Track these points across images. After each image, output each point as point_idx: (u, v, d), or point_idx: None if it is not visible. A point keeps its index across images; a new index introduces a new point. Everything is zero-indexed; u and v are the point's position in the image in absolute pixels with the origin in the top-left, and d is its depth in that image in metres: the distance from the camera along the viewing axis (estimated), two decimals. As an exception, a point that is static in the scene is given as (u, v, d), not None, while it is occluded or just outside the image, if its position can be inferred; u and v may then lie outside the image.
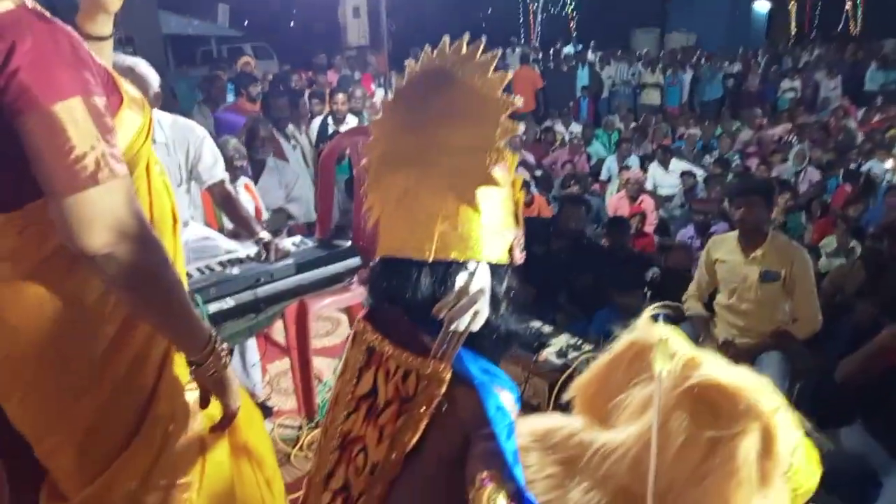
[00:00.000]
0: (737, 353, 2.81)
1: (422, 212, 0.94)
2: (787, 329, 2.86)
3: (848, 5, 16.86)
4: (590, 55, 12.26)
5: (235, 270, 2.17)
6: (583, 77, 10.98)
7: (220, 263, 2.23)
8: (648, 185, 6.51)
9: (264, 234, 2.33)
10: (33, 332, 1.11)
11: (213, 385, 1.19)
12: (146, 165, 1.22)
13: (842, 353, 2.56)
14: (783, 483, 1.12)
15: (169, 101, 4.51)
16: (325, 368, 2.68)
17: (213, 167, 2.51)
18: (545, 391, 2.66)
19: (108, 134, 1.01)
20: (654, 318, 1.21)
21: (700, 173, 6.57)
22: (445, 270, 0.95)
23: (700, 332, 3.07)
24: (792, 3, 16.93)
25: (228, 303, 2.06)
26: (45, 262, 1.09)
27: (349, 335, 1.09)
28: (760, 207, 2.84)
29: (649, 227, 5.23)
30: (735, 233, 3.01)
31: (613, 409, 1.21)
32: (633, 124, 8.97)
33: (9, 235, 1.08)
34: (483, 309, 0.93)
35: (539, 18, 16.94)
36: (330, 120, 5.30)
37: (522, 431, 1.15)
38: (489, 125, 0.90)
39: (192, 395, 1.30)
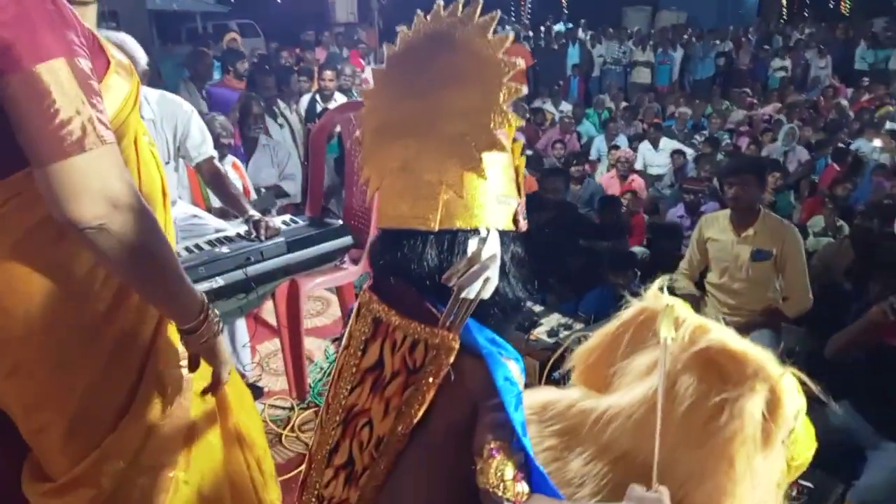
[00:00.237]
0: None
1: (424, 181, 0.91)
2: (778, 307, 2.87)
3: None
4: (580, 33, 12.15)
5: (225, 249, 2.14)
6: (573, 55, 10.89)
7: (209, 242, 2.20)
8: (638, 165, 6.49)
9: (254, 213, 2.30)
10: (20, 306, 1.08)
11: (205, 352, 1.18)
12: (134, 136, 1.18)
13: (832, 330, 2.58)
14: (782, 448, 1.13)
15: (154, 79, 4.43)
16: (316, 349, 2.67)
17: (202, 144, 2.46)
18: (536, 370, 2.66)
19: (95, 98, 0.97)
20: (661, 289, 1.20)
21: (690, 152, 6.56)
22: (451, 240, 0.93)
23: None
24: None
25: (218, 282, 2.03)
26: (30, 233, 1.06)
27: (353, 307, 1.05)
28: (753, 186, 2.83)
29: (640, 207, 5.22)
30: (727, 211, 3.00)
31: (615, 376, 1.21)
32: (623, 104, 8.92)
33: (3, 202, 1.05)
34: (494, 276, 0.90)
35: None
36: (318, 98, 5.23)
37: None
38: (491, 87, 0.86)
39: (181, 372, 1.29)
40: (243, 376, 2.43)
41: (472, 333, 0.92)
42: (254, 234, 2.23)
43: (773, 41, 12.17)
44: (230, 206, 2.43)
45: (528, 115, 8.22)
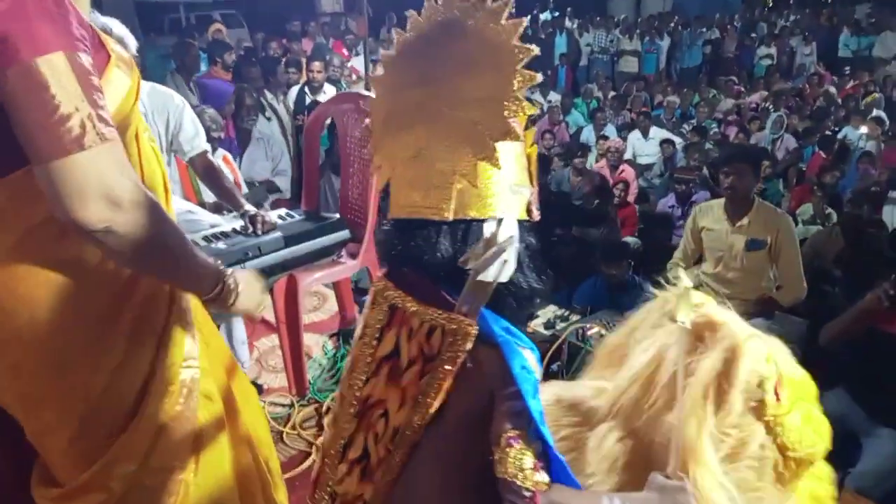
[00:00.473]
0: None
1: (436, 170, 0.90)
2: (772, 296, 2.89)
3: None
4: (567, 22, 12.12)
5: (221, 245, 2.11)
6: (560, 44, 10.86)
7: (205, 238, 2.17)
8: (628, 154, 6.51)
9: (250, 207, 2.26)
10: (22, 308, 1.06)
11: (233, 312, 1.21)
12: (135, 131, 1.16)
13: (825, 318, 2.61)
14: (753, 420, 1.13)
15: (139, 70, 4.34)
16: (314, 345, 2.65)
17: (195, 137, 2.42)
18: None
19: (95, 94, 0.95)
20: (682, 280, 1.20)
21: (679, 141, 6.59)
22: (465, 230, 0.92)
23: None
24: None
25: (216, 279, 2.00)
26: (31, 232, 1.04)
27: (369, 296, 1.04)
28: (748, 176, 2.85)
29: (631, 197, 5.24)
30: (721, 201, 3.02)
31: (625, 362, 1.22)
32: (611, 93, 8.92)
33: (3, 201, 1.02)
34: (512, 259, 0.90)
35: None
36: (307, 89, 5.17)
37: None
38: (505, 74, 0.85)
39: (188, 372, 1.27)
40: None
41: (487, 322, 0.92)
42: (250, 228, 2.20)
43: (757, 28, 12.23)
44: (225, 201, 2.40)
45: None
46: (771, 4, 16.20)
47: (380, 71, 1.00)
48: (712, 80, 9.64)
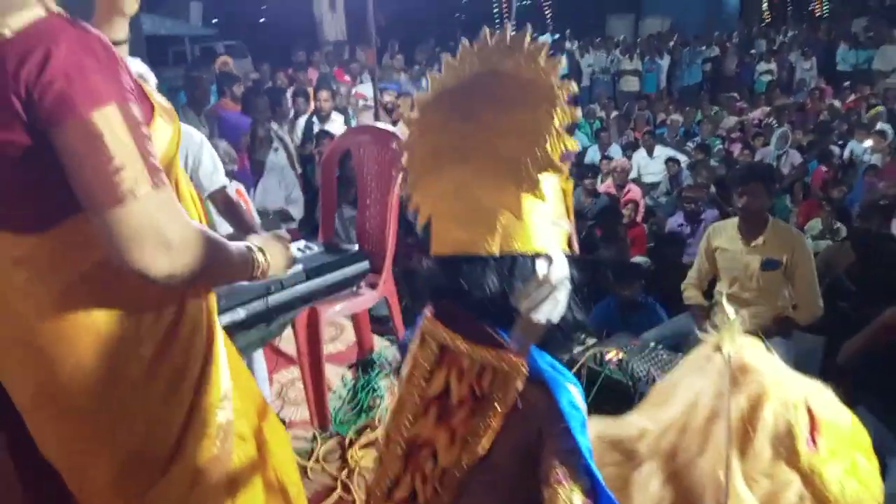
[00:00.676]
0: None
1: (480, 205, 0.91)
2: (789, 316, 2.88)
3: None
4: (567, 44, 12.26)
5: (244, 280, 2.12)
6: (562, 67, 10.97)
7: (227, 273, 2.18)
8: (633, 174, 6.54)
9: (269, 241, 2.28)
10: (70, 354, 1.08)
11: (269, 278, 1.30)
12: (175, 179, 1.19)
13: (843, 334, 2.60)
14: (778, 459, 1.11)
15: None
16: (333, 376, 2.65)
17: (214, 173, 2.45)
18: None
19: (146, 143, 0.98)
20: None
21: (684, 159, 6.62)
22: (511, 264, 0.92)
23: (699, 321, 3.09)
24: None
25: (240, 314, 2.01)
26: (83, 279, 1.06)
27: (417, 335, 1.04)
28: (762, 195, 2.85)
29: (640, 216, 5.25)
30: (735, 220, 3.02)
31: (669, 402, 1.22)
32: (614, 112, 8.99)
33: (42, 256, 1.05)
34: (564, 299, 0.91)
35: (514, 7, 16.88)
36: (315, 119, 5.24)
37: None
38: (546, 110, 0.87)
39: (223, 414, 1.28)
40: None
41: (533, 358, 0.92)
42: (271, 263, 2.21)
43: (756, 45, 12.34)
44: (246, 235, 2.41)
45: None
46: (769, 20, 16.35)
47: (415, 113, 1.02)
48: (714, 97, 9.71)
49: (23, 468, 1.23)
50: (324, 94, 5.24)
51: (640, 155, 6.91)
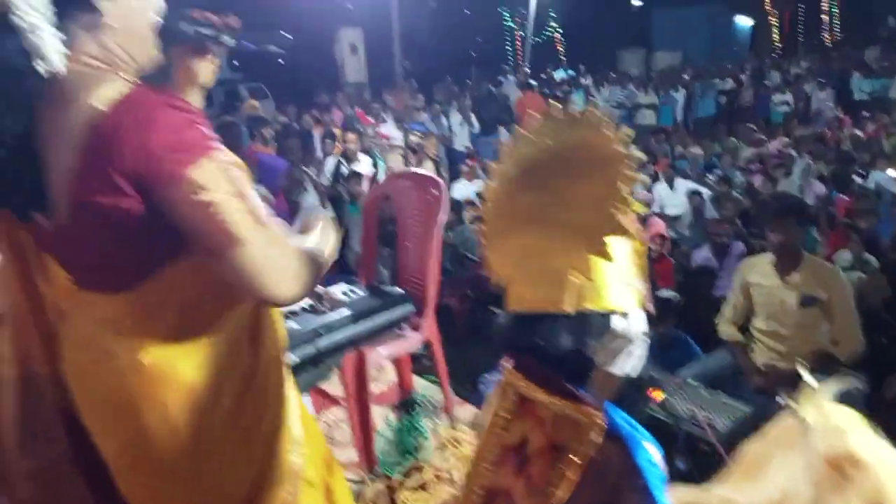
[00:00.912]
0: (779, 378, 2.81)
1: (552, 267, 0.96)
2: (829, 351, 2.85)
3: (824, 17, 17.24)
4: (581, 79, 12.45)
5: (294, 324, 2.17)
6: (578, 102, 11.14)
7: (277, 318, 2.23)
8: (655, 207, 6.56)
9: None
10: (153, 412, 1.12)
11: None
12: None
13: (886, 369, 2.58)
14: None
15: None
16: (377, 417, 2.66)
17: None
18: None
19: (239, 183, 1.04)
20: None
21: (706, 192, 6.63)
22: (585, 321, 0.96)
23: (738, 357, 3.07)
24: (772, 16, 17.29)
25: (292, 358, 2.05)
26: (163, 336, 1.11)
27: (496, 387, 1.08)
28: (796, 229, 2.83)
29: (666, 250, 5.24)
30: (769, 255, 3.00)
31: (759, 478, 1.18)
32: (632, 147, 9.03)
33: (126, 315, 1.10)
34: (642, 353, 0.94)
35: (527, 45, 17.23)
36: (342, 160, 5.35)
37: None
38: (614, 178, 0.93)
39: (295, 459, 1.31)
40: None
41: (610, 414, 0.95)
42: (318, 307, 2.26)
43: (769, 76, 12.44)
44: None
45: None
46: (781, 53, 16.49)
47: (493, 182, 1.09)
48: (731, 128, 9.75)
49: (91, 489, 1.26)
50: (350, 136, 5.36)
51: (662, 187, 6.92)
